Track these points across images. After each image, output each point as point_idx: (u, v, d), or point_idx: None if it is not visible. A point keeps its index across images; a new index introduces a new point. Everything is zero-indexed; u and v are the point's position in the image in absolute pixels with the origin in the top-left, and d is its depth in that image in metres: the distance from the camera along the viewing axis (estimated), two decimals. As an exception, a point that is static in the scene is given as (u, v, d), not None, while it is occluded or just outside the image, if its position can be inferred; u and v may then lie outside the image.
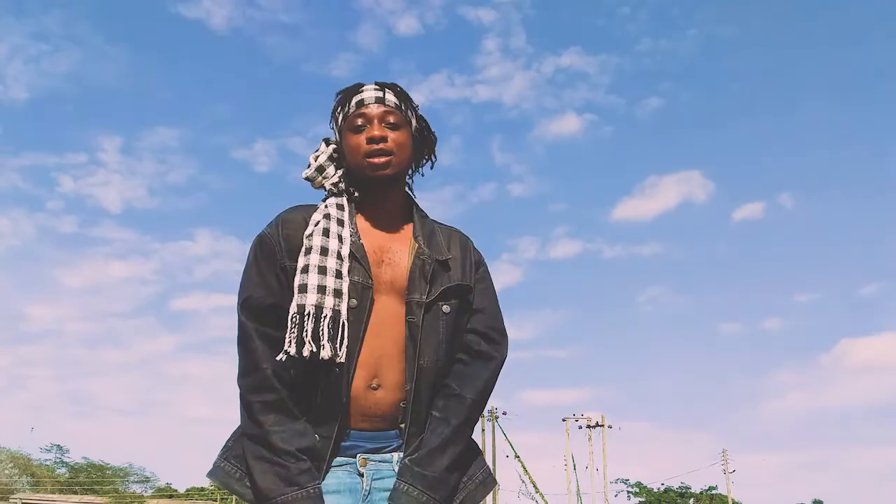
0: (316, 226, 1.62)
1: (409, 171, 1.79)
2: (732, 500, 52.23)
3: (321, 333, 1.53)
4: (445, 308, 1.67)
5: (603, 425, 45.37)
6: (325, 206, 1.68)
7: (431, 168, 1.85)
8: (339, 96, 1.72)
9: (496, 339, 1.75)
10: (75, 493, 44.61)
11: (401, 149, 1.68)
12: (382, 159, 1.64)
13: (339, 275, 1.58)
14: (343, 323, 1.56)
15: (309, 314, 1.53)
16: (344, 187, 1.72)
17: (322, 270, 1.57)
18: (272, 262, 1.62)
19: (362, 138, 1.65)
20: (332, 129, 1.77)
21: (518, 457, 41.18)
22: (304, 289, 1.55)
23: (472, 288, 1.74)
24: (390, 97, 1.69)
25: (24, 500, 36.74)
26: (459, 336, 1.72)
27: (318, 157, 1.75)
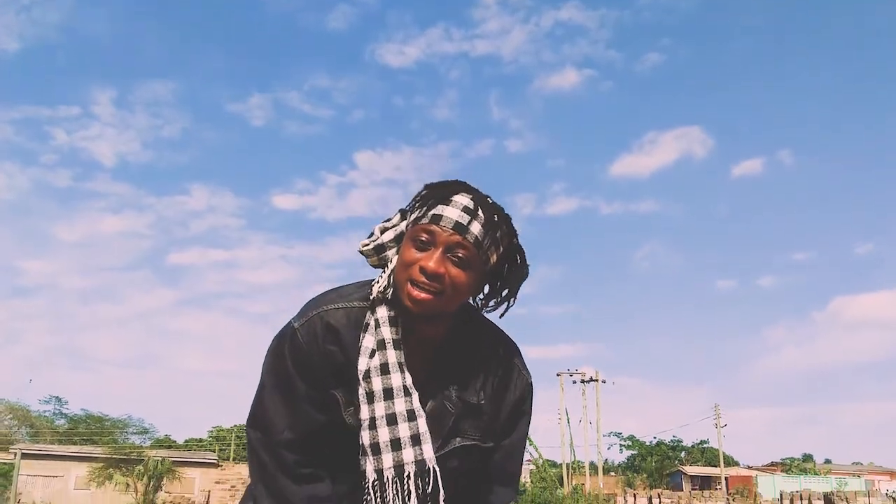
0: (371, 358, 1.42)
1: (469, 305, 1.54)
2: (723, 453, 53.07)
3: (408, 496, 1.37)
4: (452, 462, 1.48)
5: (597, 380, 45.89)
6: (377, 322, 1.44)
7: (503, 313, 1.54)
8: (424, 193, 1.44)
9: (506, 483, 1.58)
10: (74, 443, 45.13)
11: (455, 291, 1.39)
12: (424, 296, 1.37)
13: (411, 416, 1.40)
14: (432, 470, 1.39)
15: (388, 480, 1.37)
16: (391, 296, 1.46)
17: (392, 420, 1.39)
18: (310, 381, 1.44)
19: (417, 259, 1.37)
20: (407, 215, 1.48)
21: (512, 410, 41.47)
22: (376, 449, 1.38)
23: (492, 447, 1.53)
24: (475, 228, 1.38)
25: (23, 451, 37.14)
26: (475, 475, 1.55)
27: (385, 230, 1.49)
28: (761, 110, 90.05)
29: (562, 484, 42.51)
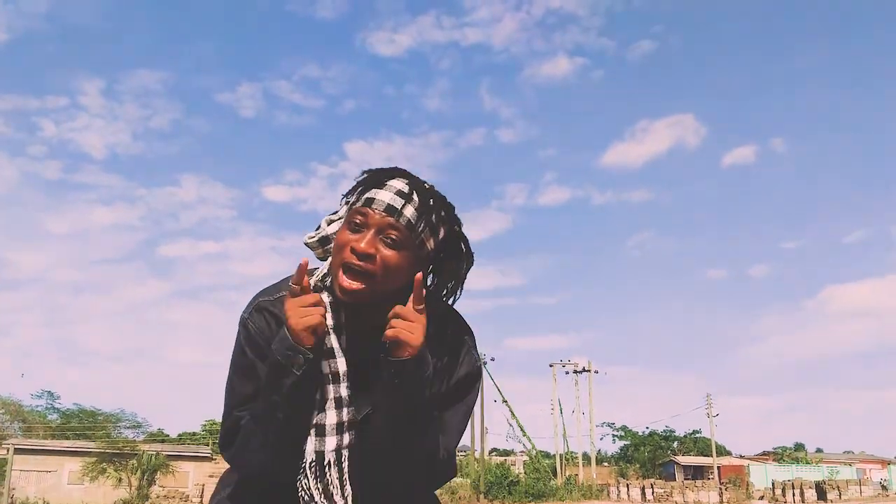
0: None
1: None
2: (716, 443, 53.37)
3: (342, 481, 1.40)
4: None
5: (589, 370, 46.08)
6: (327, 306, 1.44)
7: (453, 302, 1.52)
8: (361, 178, 1.45)
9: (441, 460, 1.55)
10: (67, 438, 45.02)
11: (387, 273, 1.37)
12: (355, 285, 1.36)
13: (348, 403, 1.41)
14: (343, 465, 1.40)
15: (329, 464, 1.38)
16: (330, 284, 1.45)
17: (339, 404, 1.40)
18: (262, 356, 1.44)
19: (350, 241, 1.38)
20: (347, 196, 1.49)
21: (506, 401, 41.83)
22: (321, 431, 1.39)
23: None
24: (408, 211, 1.39)
25: (16, 446, 37.04)
26: None
27: (331, 221, 1.51)
28: (754, 98, 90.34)
29: (555, 475, 42.78)
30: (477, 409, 38.24)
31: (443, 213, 1.45)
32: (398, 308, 1.36)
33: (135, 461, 33.29)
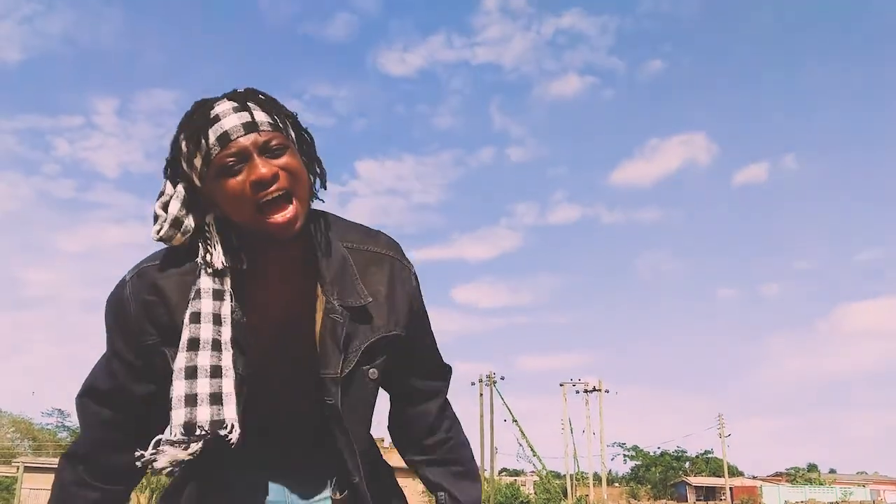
0: (187, 306, 1.24)
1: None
2: (728, 463, 52.89)
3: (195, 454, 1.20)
4: (372, 372, 1.33)
5: (600, 390, 45.81)
6: (199, 274, 1.25)
7: (323, 187, 1.33)
8: (186, 130, 1.22)
9: (442, 377, 1.53)
10: (77, 456, 44.96)
11: (297, 181, 1.22)
12: (289, 213, 1.20)
13: (214, 372, 1.21)
14: (233, 428, 1.20)
15: (178, 442, 1.18)
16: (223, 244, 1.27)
17: (191, 373, 1.20)
18: (131, 339, 1.29)
19: (244, 184, 1.18)
20: (180, 172, 1.27)
21: (516, 421, 41.60)
22: (170, 405, 1.19)
23: (404, 336, 1.37)
24: (261, 116, 1.21)
25: (26, 464, 37.08)
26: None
27: (167, 204, 1.28)
28: (765, 115, 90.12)
29: (566, 495, 42.45)
30: (486, 428, 38.05)
31: (276, 102, 1.27)
32: None
33: (144, 480, 33.22)
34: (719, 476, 55.72)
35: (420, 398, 1.48)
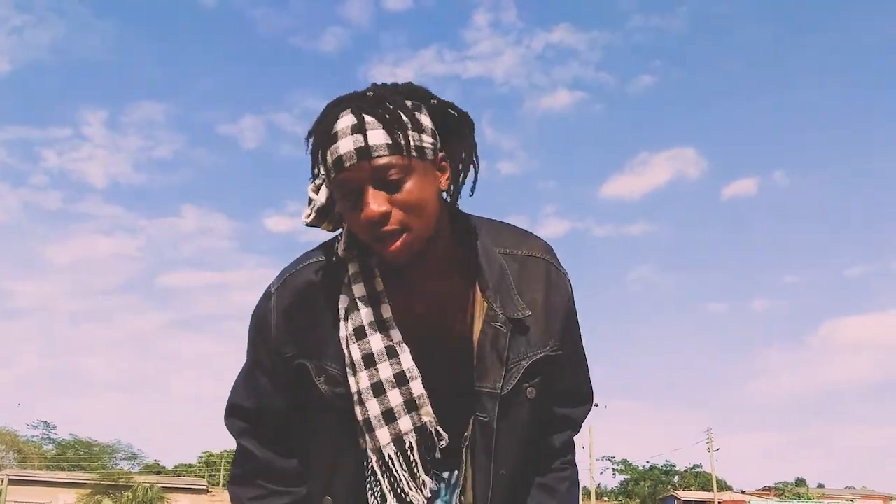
0: (346, 321, 1.21)
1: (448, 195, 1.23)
2: (717, 477, 52.87)
3: (413, 473, 1.18)
4: (531, 392, 1.23)
5: (597, 404, 45.68)
6: (350, 280, 1.22)
7: (475, 181, 1.22)
8: (314, 137, 1.15)
9: (582, 404, 1.37)
10: (63, 469, 44.62)
11: (417, 212, 1.12)
12: (396, 245, 1.12)
13: (400, 380, 1.18)
14: (434, 432, 1.19)
15: (391, 459, 1.17)
16: (360, 248, 1.23)
17: (378, 389, 1.17)
18: (275, 351, 1.26)
19: (359, 218, 1.11)
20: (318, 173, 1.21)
21: (505, 435, 41.33)
22: (369, 426, 1.18)
23: (560, 354, 1.26)
24: (376, 138, 1.09)
25: (11, 477, 36.70)
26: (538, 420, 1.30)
27: (319, 188, 1.25)
28: (755, 130, 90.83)
29: (554, 509, 42.21)
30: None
31: (409, 103, 1.15)
32: None
33: (130, 493, 32.94)
34: (708, 490, 55.67)
35: (554, 428, 1.33)
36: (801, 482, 70.01)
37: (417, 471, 1.18)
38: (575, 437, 1.38)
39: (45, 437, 55.35)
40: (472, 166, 1.21)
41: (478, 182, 1.21)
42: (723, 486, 60.55)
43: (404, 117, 1.12)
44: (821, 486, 71.79)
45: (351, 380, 1.19)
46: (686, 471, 65.96)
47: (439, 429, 1.18)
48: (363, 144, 1.09)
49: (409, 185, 1.11)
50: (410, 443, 1.17)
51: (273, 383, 1.27)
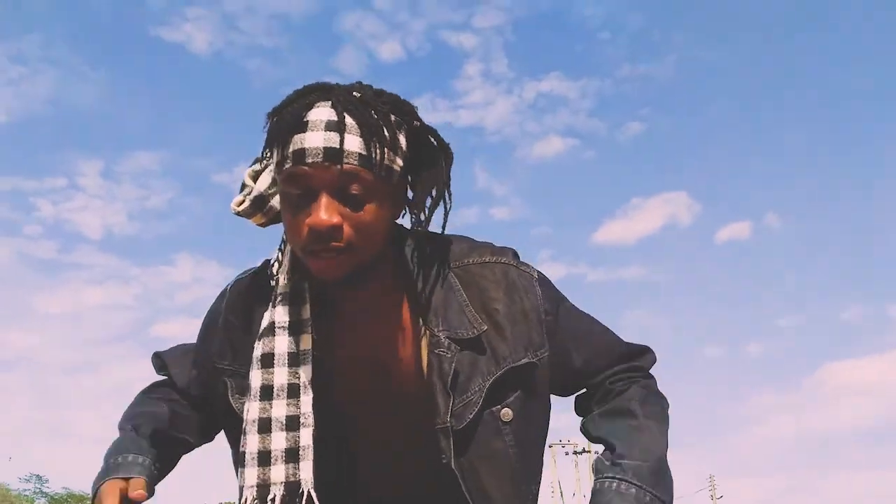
0: (260, 341, 1.06)
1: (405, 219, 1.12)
2: (719, 525, 52.09)
3: None
4: (505, 413, 1.06)
5: (589, 451, 45.30)
6: (274, 302, 1.08)
7: (445, 217, 1.09)
8: (279, 115, 1.00)
9: (637, 365, 1.21)
10: (55, 524, 43.78)
11: (368, 237, 0.99)
12: (331, 265, 0.99)
13: (291, 424, 1.02)
14: (307, 496, 1.00)
15: (247, 501, 1.00)
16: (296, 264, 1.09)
17: (264, 426, 1.02)
18: (205, 356, 1.19)
19: (302, 221, 0.97)
20: (267, 158, 1.08)
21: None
22: (241, 460, 1.02)
23: (544, 359, 1.11)
24: (353, 143, 0.96)
25: (2, 533, 35.96)
26: (541, 441, 1.15)
27: (258, 175, 1.10)
28: (747, 174, 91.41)
29: (556, 560, 41.52)
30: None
31: (393, 118, 1.01)
32: None
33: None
34: (711, 538, 54.83)
35: (613, 388, 1.18)
36: (804, 528, 69.00)
37: None
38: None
39: (38, 490, 54.36)
40: (442, 202, 1.07)
41: (457, 222, 1.13)
42: (725, 534, 59.62)
43: (386, 133, 0.99)
44: (824, 531, 70.82)
45: (245, 405, 1.05)
46: (688, 518, 65.07)
47: (313, 494, 0.99)
48: (336, 146, 0.95)
49: (369, 205, 0.98)
50: (275, 495, 1.00)
51: (200, 386, 1.19)
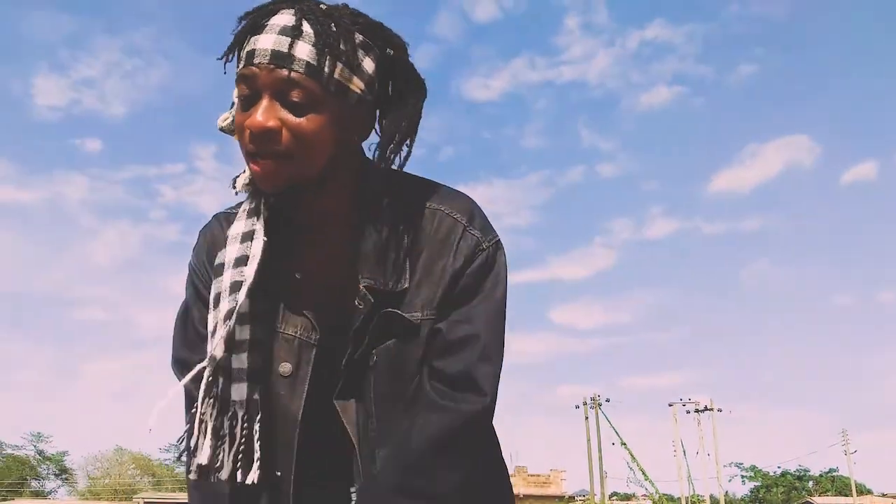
0: (219, 252, 1.14)
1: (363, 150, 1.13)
2: (855, 482, 49.87)
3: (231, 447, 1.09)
4: (372, 359, 1.08)
5: (712, 409, 44.08)
6: (242, 213, 1.14)
7: (405, 157, 1.09)
8: (246, 18, 1.03)
9: (463, 388, 1.08)
10: (194, 491, 46.52)
11: (307, 145, 0.99)
12: (266, 169, 1.00)
13: (229, 317, 1.06)
14: (242, 418, 1.08)
15: (196, 418, 1.11)
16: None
17: (214, 332, 1.09)
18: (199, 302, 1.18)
19: (242, 123, 1.01)
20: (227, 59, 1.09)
21: (624, 444, 40.42)
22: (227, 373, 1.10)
23: (421, 323, 1.08)
24: (302, 50, 0.97)
25: (146, 500, 38.51)
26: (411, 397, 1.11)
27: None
28: (870, 111, 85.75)
29: (682, 520, 40.88)
30: (594, 452, 37.11)
31: (359, 38, 1.02)
32: None
33: None
34: (847, 495, 52.62)
35: (426, 409, 1.07)
36: (951, 484, 65.25)
37: (254, 445, 1.07)
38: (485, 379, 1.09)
39: (177, 459, 57.99)
40: (405, 144, 1.09)
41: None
42: (862, 490, 57.18)
43: (343, 46, 0.99)
44: (975, 487, 66.76)
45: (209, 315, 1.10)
46: (822, 475, 62.64)
47: (243, 409, 1.08)
48: (285, 50, 0.97)
49: (312, 115, 0.99)
50: (256, 411, 1.07)
51: (199, 334, 1.16)
